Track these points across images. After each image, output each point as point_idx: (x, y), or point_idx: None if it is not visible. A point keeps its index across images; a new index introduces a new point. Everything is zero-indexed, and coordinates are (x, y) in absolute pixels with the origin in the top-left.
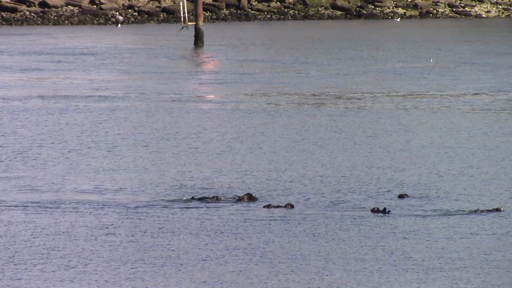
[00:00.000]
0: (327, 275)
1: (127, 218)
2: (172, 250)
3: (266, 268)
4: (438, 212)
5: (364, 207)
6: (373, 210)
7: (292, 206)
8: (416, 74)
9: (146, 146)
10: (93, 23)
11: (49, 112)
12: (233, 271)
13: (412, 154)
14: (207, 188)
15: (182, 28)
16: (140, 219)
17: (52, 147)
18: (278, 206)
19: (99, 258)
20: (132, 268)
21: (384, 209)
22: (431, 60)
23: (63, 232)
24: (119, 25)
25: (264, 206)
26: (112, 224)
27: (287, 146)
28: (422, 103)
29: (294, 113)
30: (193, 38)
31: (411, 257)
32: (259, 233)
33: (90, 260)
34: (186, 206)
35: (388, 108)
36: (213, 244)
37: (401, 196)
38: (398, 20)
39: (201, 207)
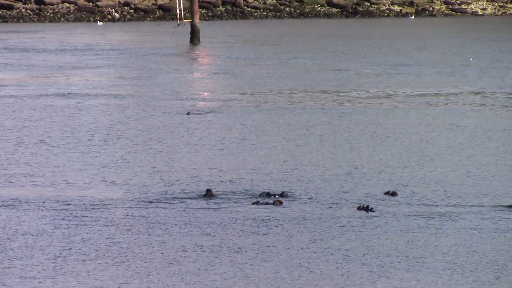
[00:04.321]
0: (306, 272)
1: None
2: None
3: (236, 265)
4: (429, 210)
5: (351, 205)
6: (359, 208)
7: (280, 203)
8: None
9: (129, 142)
10: (89, 21)
11: (39, 109)
12: (198, 269)
13: (415, 152)
14: (198, 186)
15: (178, 25)
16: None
17: (39, 144)
18: (266, 203)
19: (46, 254)
20: (67, 264)
21: (367, 206)
22: (471, 59)
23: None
24: (99, 23)
25: (253, 203)
26: (63, 222)
27: (281, 143)
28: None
29: (288, 111)
30: (189, 36)
31: (394, 255)
32: (241, 230)
33: (32, 255)
34: (175, 203)
35: (408, 107)
36: (180, 240)
37: (389, 193)
38: (413, 17)
39: (188, 204)
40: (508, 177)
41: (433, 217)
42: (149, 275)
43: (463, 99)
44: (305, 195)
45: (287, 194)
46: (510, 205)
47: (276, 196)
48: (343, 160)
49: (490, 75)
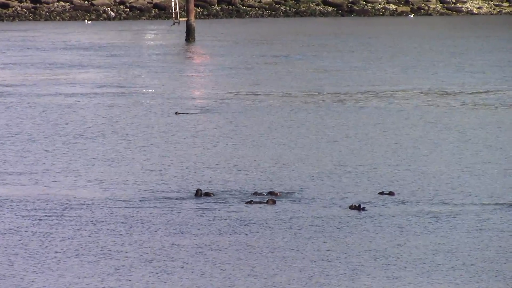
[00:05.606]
0: (286, 270)
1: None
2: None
3: (216, 264)
4: (420, 210)
5: (344, 204)
6: (351, 207)
7: (274, 202)
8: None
9: (118, 141)
10: (84, 19)
11: (30, 107)
12: (179, 268)
13: (410, 152)
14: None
15: (174, 24)
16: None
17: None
18: (260, 202)
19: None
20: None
21: (359, 205)
22: (473, 60)
23: None
24: (88, 22)
25: (247, 202)
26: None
27: (274, 142)
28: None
29: (282, 110)
30: (185, 34)
31: (382, 255)
32: (226, 229)
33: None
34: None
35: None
36: (163, 241)
37: (385, 193)
38: (412, 16)
39: (176, 204)
40: (500, 176)
41: (422, 217)
42: (126, 273)
43: (461, 98)
44: (299, 195)
45: (277, 193)
46: (498, 203)
47: (267, 195)
48: (339, 159)
49: (489, 74)
